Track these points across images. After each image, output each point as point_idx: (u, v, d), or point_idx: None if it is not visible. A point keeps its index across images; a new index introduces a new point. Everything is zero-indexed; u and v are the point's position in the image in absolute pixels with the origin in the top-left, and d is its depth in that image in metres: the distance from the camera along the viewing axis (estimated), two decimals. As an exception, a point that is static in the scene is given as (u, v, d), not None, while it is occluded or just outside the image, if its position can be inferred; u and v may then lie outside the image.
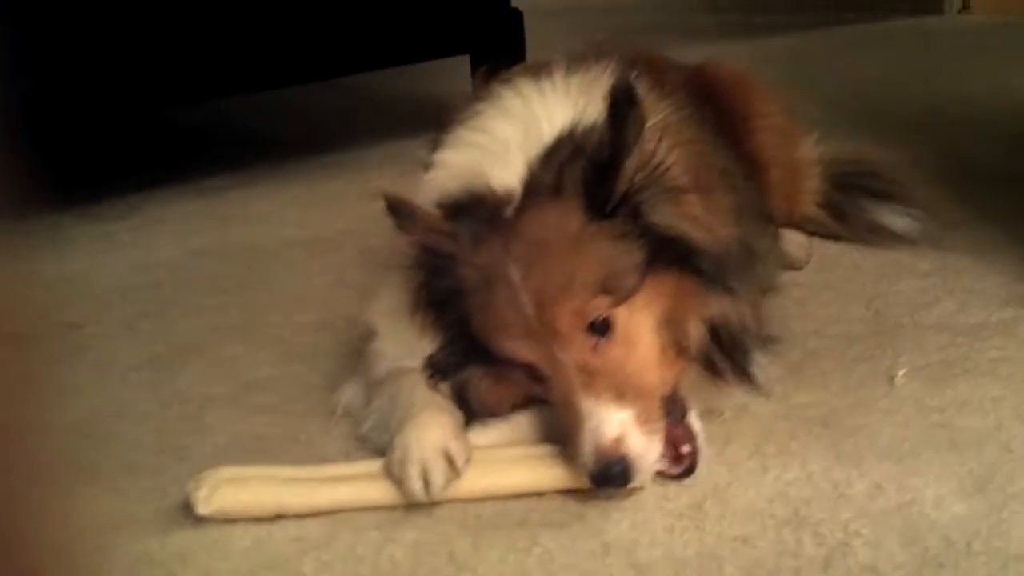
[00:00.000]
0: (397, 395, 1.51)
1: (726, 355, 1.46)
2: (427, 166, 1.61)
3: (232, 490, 1.39)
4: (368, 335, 1.64)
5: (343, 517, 1.40)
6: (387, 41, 3.24)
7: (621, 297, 1.37)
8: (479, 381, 1.48)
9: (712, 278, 1.41)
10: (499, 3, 3.42)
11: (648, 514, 1.36)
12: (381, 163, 3.04)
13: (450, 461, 1.38)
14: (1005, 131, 2.94)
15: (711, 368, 1.47)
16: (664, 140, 1.41)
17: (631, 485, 1.35)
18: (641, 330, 1.40)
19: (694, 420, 1.43)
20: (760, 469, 1.43)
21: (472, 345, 1.45)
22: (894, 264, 2.10)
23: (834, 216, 2.23)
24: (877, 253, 2.16)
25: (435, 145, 1.63)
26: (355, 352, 1.70)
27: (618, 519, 1.36)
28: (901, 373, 1.65)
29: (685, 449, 1.41)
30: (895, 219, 2.19)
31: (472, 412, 1.50)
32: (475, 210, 1.43)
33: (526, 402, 1.50)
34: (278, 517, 1.40)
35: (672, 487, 1.41)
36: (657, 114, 1.47)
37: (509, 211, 1.41)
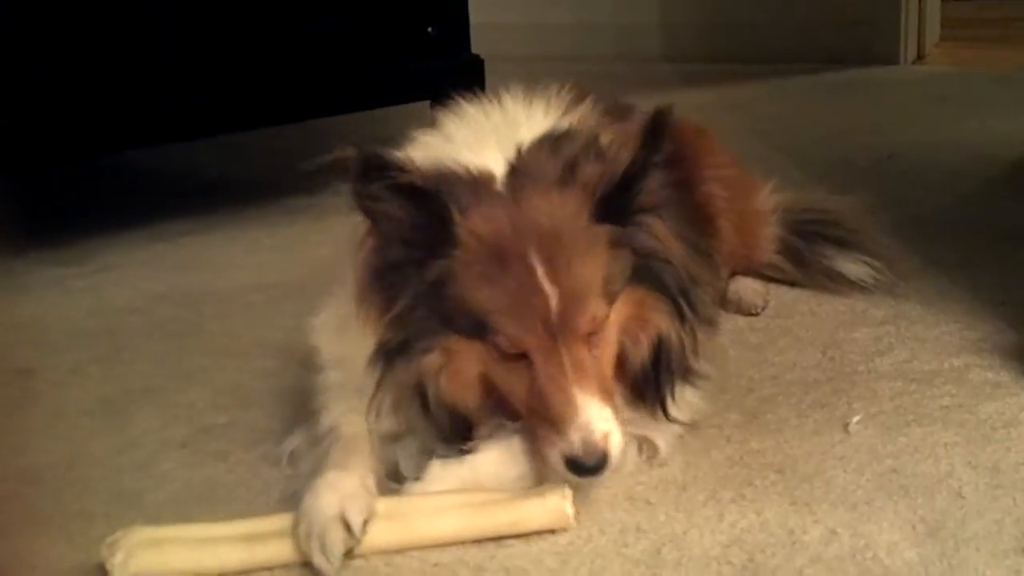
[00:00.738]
0: (323, 456, 1.49)
1: (654, 376, 1.51)
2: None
3: (148, 555, 1.35)
4: (311, 355, 1.64)
5: (280, 572, 1.37)
6: (349, 86, 3.25)
7: (611, 301, 1.43)
8: (436, 375, 1.45)
9: (674, 296, 1.49)
10: (460, 50, 3.46)
11: (606, 561, 1.36)
12: (342, 208, 3.02)
13: (347, 526, 1.35)
14: (956, 180, 3.00)
15: (633, 387, 1.52)
16: None
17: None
18: (613, 334, 1.46)
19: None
20: (716, 516, 1.44)
21: (432, 313, 1.42)
22: (850, 311, 2.13)
23: (793, 262, 2.26)
24: (834, 300, 2.19)
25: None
26: (308, 392, 1.68)
27: (576, 565, 1.35)
28: (855, 420, 1.67)
29: None
30: (853, 267, 2.22)
31: (429, 410, 1.46)
32: (455, 181, 1.41)
33: (484, 398, 1.47)
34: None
35: (631, 534, 1.41)
36: None
37: (500, 188, 1.41)
